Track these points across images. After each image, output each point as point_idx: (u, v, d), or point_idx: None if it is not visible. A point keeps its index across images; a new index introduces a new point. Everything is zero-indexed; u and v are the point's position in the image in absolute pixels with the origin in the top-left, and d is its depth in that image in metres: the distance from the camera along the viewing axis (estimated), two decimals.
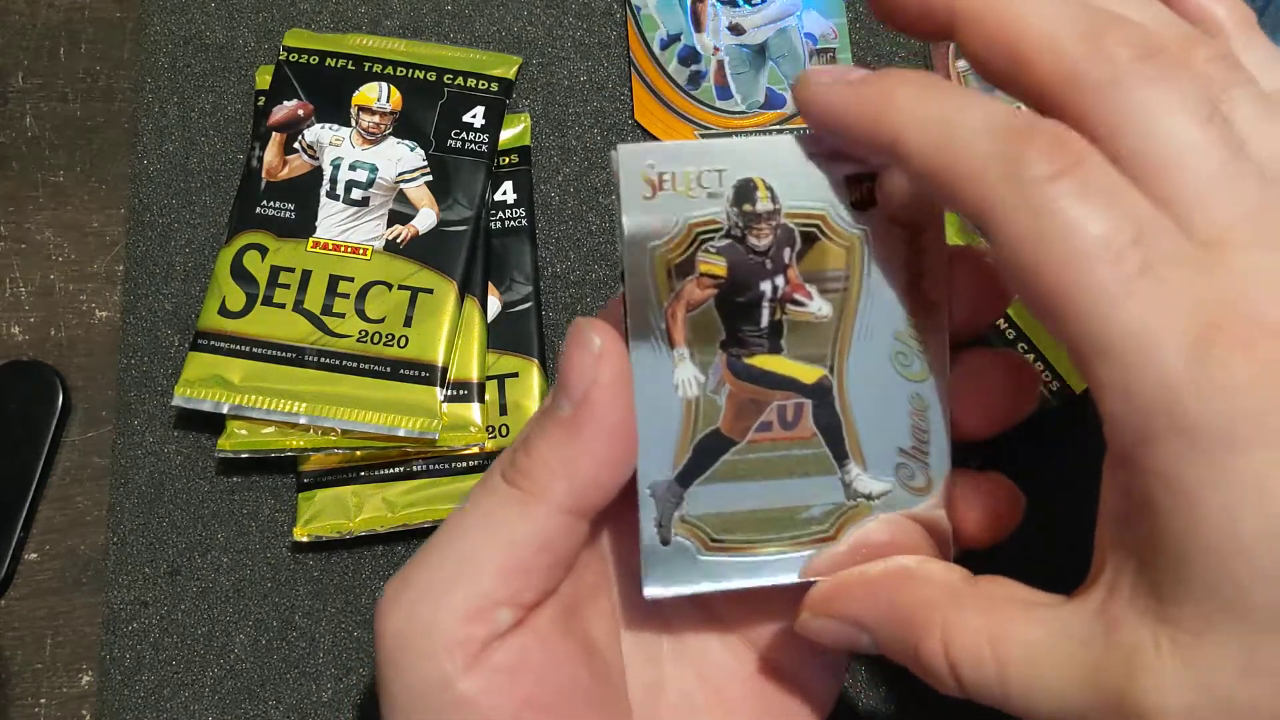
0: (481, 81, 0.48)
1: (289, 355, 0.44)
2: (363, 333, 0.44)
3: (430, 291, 0.44)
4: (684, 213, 0.27)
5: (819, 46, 0.49)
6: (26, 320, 0.47)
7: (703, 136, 0.48)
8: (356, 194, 0.46)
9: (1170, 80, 0.22)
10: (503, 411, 0.45)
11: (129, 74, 0.50)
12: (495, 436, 0.44)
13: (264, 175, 0.46)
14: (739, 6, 0.50)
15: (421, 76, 0.48)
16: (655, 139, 0.48)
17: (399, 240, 0.45)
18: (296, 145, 0.47)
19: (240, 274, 0.45)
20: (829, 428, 0.28)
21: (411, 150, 0.47)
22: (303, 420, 0.43)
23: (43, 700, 0.43)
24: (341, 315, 0.44)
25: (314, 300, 0.44)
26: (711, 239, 0.27)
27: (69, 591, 0.44)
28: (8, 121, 0.50)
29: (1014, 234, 0.22)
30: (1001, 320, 0.42)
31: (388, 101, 0.47)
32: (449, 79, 0.48)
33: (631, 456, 0.27)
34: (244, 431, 0.44)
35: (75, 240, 0.48)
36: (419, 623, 0.26)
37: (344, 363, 0.44)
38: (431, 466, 0.44)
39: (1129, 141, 0.22)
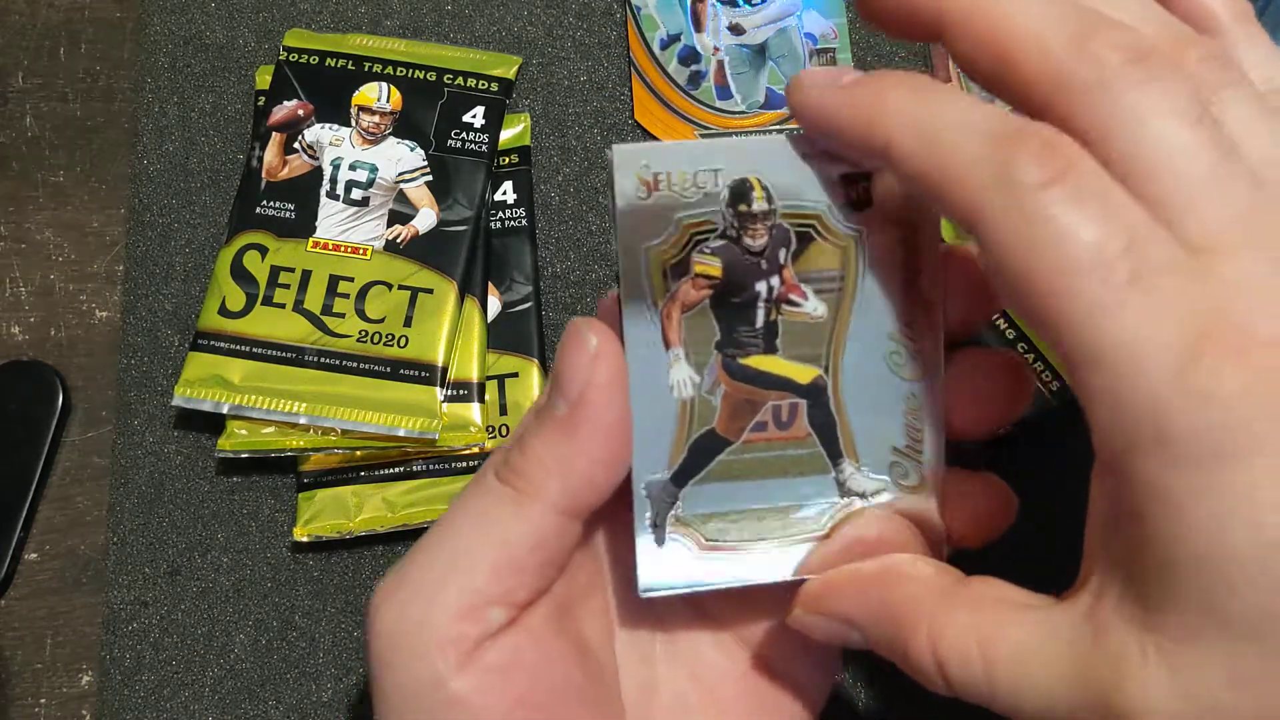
0: (481, 81, 0.48)
1: (289, 355, 0.44)
2: (363, 333, 0.44)
3: (430, 291, 0.44)
4: (679, 213, 0.27)
5: (819, 46, 0.49)
6: (26, 320, 0.47)
7: (702, 136, 0.48)
8: (356, 194, 0.46)
9: (1160, 82, 0.21)
10: (503, 411, 0.45)
11: (129, 74, 0.50)
12: (495, 436, 0.44)
13: (264, 175, 0.46)
14: (739, 6, 0.50)
15: (421, 76, 0.48)
16: (655, 139, 0.48)
17: (399, 240, 0.45)
18: (296, 145, 0.47)
19: (240, 274, 0.45)
20: (824, 427, 0.28)
21: (411, 150, 0.47)
22: (303, 420, 0.43)
23: (43, 700, 0.43)
24: (341, 315, 0.44)
25: (314, 300, 0.44)
26: (707, 239, 0.27)
27: (69, 591, 0.44)
28: (8, 121, 0.50)
29: (1004, 241, 0.21)
30: (1001, 320, 0.42)
31: (388, 101, 0.47)
32: (449, 79, 0.48)
33: (626, 456, 0.27)
34: (244, 431, 0.44)
35: (75, 240, 0.48)
36: (411, 621, 0.26)
37: (344, 363, 0.44)
38: (431, 466, 0.44)
39: (1118, 145, 0.21)
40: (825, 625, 0.27)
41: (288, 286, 0.45)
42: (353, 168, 0.46)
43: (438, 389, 0.43)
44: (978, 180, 0.22)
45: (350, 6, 0.51)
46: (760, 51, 0.49)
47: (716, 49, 0.49)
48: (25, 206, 0.49)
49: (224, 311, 0.44)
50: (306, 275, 0.45)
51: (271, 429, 0.44)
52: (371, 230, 0.45)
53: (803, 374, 0.28)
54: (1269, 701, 0.20)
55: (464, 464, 0.44)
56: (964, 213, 0.22)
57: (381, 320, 0.44)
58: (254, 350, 0.44)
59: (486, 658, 0.26)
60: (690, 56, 0.49)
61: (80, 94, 0.50)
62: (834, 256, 0.27)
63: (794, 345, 0.28)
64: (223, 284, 0.45)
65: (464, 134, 0.47)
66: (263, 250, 0.45)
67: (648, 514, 0.28)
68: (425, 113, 0.47)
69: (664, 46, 0.49)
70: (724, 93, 0.49)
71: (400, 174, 0.46)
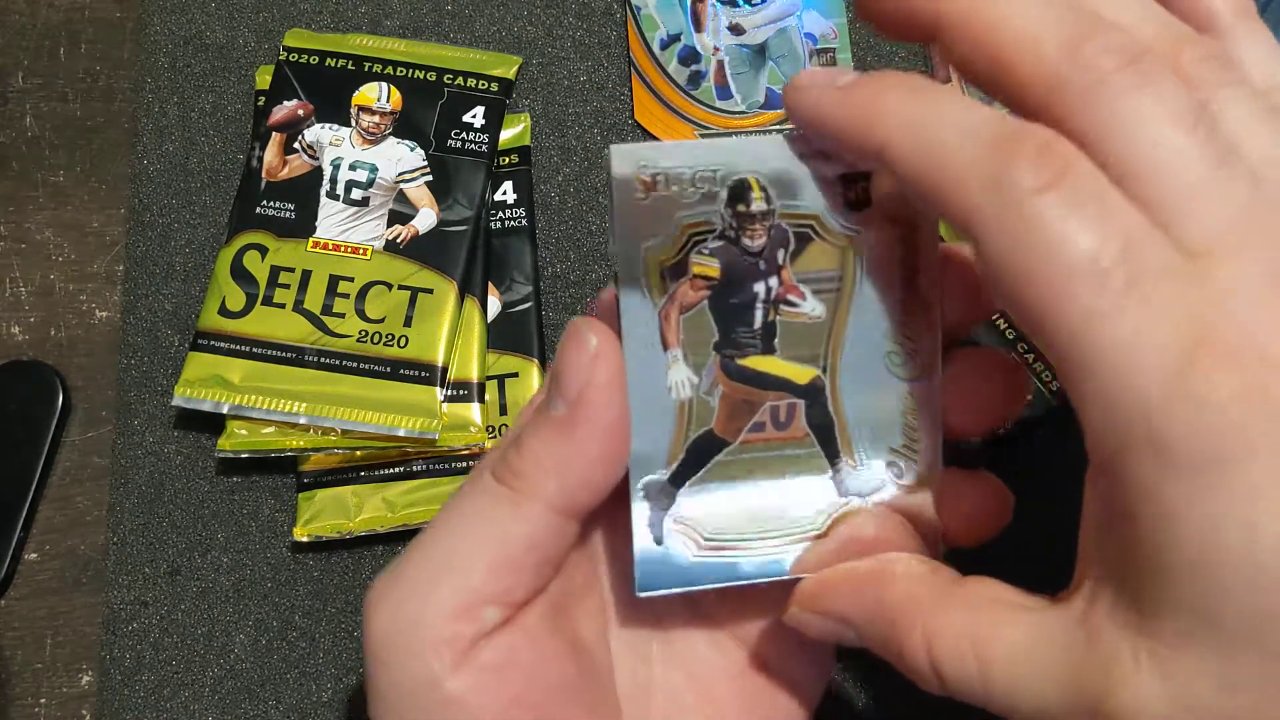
0: (481, 81, 0.48)
1: (289, 355, 0.44)
2: (363, 333, 0.44)
3: (430, 291, 0.44)
4: (678, 213, 0.27)
5: (819, 46, 0.49)
6: (26, 320, 0.47)
7: (702, 136, 0.48)
8: (356, 194, 0.46)
9: (1155, 84, 0.21)
10: (503, 411, 0.45)
11: (129, 74, 0.50)
12: (495, 436, 0.44)
13: (264, 175, 0.46)
14: (739, 6, 0.50)
15: (421, 76, 0.48)
16: (655, 139, 0.48)
17: (399, 240, 0.45)
18: (296, 145, 0.47)
19: (240, 274, 0.45)
20: (821, 427, 0.28)
21: (411, 150, 0.47)
22: (303, 420, 0.43)
23: (43, 700, 0.43)
24: (341, 315, 0.44)
25: (314, 300, 0.44)
26: (705, 240, 0.27)
27: (69, 591, 0.44)
28: (8, 121, 0.50)
29: (1000, 245, 0.21)
30: (1000, 319, 0.42)
31: (388, 101, 0.47)
32: (449, 79, 0.48)
33: (624, 457, 0.27)
34: (244, 431, 0.44)
35: (75, 240, 0.48)
36: (406, 620, 0.26)
37: (344, 363, 0.44)
38: (431, 466, 0.44)
39: (1114, 148, 0.21)
40: (821, 624, 0.27)
41: (288, 286, 0.45)
42: (353, 168, 0.46)
43: (438, 389, 0.43)
44: (974, 183, 0.22)
45: (350, 6, 0.51)
46: (760, 51, 0.49)
47: (716, 49, 0.49)
48: (25, 206, 0.49)
49: (224, 311, 0.44)
50: (306, 275, 0.45)
51: (271, 429, 0.44)
52: (371, 230, 0.45)
53: (801, 374, 0.28)
54: (1261, 706, 0.20)
55: (464, 464, 0.44)
56: (960, 215, 0.22)
57: (381, 320, 0.44)
58: (254, 350, 0.44)
59: (482, 657, 0.26)
60: (690, 56, 0.49)
61: (80, 94, 0.50)
62: (832, 257, 0.27)
63: (792, 346, 0.28)
64: (223, 284, 0.45)
65: (464, 134, 0.47)
66: (263, 250, 0.45)
67: (646, 514, 0.28)
68: (425, 113, 0.47)
69: (664, 46, 0.49)
70: (724, 93, 0.49)
71: (400, 174, 0.46)
